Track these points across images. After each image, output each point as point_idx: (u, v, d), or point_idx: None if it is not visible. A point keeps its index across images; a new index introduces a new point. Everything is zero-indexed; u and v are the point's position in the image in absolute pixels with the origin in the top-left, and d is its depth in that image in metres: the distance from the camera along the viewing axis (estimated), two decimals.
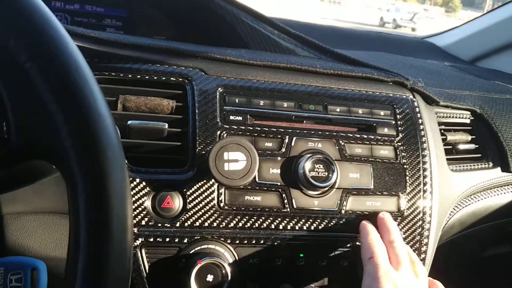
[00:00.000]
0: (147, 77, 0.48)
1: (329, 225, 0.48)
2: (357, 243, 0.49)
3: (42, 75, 0.25)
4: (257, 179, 0.46)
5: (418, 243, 0.51)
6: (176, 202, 0.44)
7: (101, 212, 0.25)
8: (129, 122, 0.45)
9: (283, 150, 0.48)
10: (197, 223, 0.45)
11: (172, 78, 0.49)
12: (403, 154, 0.52)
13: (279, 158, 0.47)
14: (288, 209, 0.47)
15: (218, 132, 0.46)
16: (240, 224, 0.46)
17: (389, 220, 0.48)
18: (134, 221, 0.43)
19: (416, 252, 0.51)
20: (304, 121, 0.50)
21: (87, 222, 0.25)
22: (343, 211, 0.48)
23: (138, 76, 0.48)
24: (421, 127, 0.54)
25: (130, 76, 0.48)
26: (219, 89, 0.49)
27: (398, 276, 0.42)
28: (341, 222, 0.48)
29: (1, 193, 0.36)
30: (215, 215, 0.45)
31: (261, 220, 0.46)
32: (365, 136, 0.51)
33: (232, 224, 0.45)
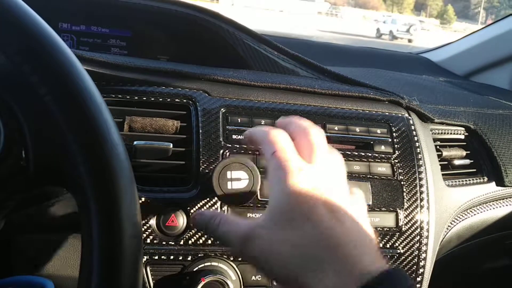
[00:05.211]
0: (152, 98, 0.50)
1: None
2: None
3: (59, 106, 0.27)
4: (259, 197, 0.47)
5: (416, 257, 0.52)
6: (180, 220, 0.46)
7: (114, 235, 0.26)
8: (135, 142, 0.46)
9: None
10: (201, 241, 0.46)
11: (176, 100, 0.51)
12: (400, 170, 0.53)
13: None
14: None
15: (221, 151, 0.48)
16: None
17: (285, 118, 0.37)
18: None
19: (415, 266, 0.52)
20: None
21: (100, 245, 0.26)
22: None
23: (144, 98, 0.50)
24: (417, 144, 0.56)
25: (136, 98, 0.50)
26: (222, 109, 0.51)
27: (314, 170, 0.32)
28: None
29: (12, 215, 0.37)
30: None
31: None
32: (363, 154, 0.53)
33: None
